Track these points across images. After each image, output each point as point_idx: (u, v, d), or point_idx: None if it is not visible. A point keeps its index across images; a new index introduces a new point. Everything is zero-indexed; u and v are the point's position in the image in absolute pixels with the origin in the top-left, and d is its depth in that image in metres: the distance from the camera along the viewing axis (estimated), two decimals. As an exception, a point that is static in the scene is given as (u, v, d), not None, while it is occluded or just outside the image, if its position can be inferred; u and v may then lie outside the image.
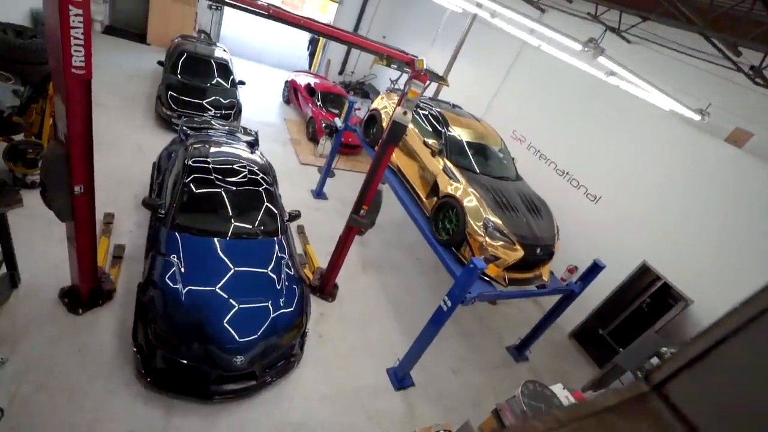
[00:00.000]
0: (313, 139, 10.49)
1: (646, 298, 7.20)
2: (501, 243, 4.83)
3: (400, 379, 5.15)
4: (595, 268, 5.40)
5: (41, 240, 4.87)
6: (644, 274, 6.76)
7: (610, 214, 7.21)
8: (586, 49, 4.61)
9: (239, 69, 11.19)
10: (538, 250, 5.13)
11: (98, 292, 4.47)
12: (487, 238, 4.81)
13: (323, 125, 9.48)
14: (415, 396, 5.12)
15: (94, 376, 3.88)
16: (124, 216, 5.77)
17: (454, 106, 7.37)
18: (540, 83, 8.96)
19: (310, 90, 11.38)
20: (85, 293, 4.32)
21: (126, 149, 7.18)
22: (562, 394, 2.96)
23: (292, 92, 12.14)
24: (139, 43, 11.65)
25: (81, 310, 4.33)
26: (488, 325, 6.94)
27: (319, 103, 10.98)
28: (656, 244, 6.52)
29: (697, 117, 5.67)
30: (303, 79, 11.88)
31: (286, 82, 12.51)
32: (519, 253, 4.88)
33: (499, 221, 4.92)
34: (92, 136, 3.39)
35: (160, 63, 9.13)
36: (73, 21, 2.74)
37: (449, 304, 4.39)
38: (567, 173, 7.99)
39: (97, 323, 4.32)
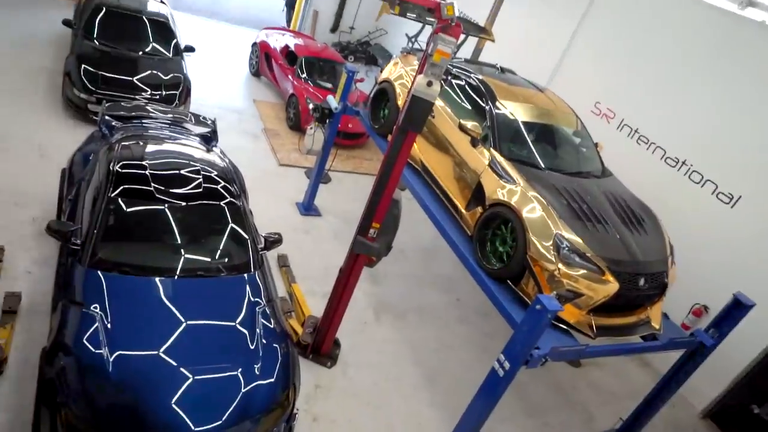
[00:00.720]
0: (297, 127, 10.68)
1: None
2: (582, 272, 4.76)
3: (438, 484, 5.08)
4: (737, 308, 5.22)
5: None
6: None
7: (754, 223, 7.05)
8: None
9: (186, 28, 11.46)
10: (642, 281, 5.05)
11: (-17, 363, 4.56)
12: (560, 265, 4.76)
13: (310, 107, 9.62)
14: None
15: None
16: (19, 250, 5.90)
17: (503, 70, 7.42)
18: (634, 31, 8.95)
19: (290, 55, 11.63)
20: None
21: (20, 152, 7.40)
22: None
23: (263, 59, 12.41)
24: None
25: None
26: (570, 398, 6.81)
27: (303, 75, 11.18)
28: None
29: None
30: (279, 41, 12.17)
31: (255, 45, 12.79)
32: (611, 285, 4.81)
33: (578, 239, 4.87)
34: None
35: (66, 23, 9.45)
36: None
37: (507, 366, 4.31)
38: (683, 163, 7.90)
39: (-21, 412, 4.40)
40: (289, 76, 11.27)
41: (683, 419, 7.14)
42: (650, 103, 8.53)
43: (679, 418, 7.09)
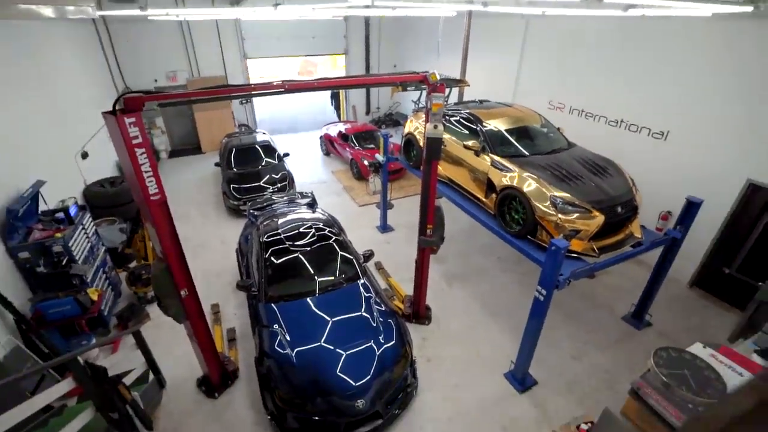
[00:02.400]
0: (361, 178, 10.78)
1: (770, 218, 6.15)
2: (576, 215, 4.49)
3: (521, 380, 4.85)
4: (691, 207, 4.80)
5: (169, 342, 5.43)
6: (756, 193, 5.83)
7: (684, 145, 6.44)
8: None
9: (281, 143, 11.96)
10: (619, 209, 4.69)
11: (225, 374, 4.84)
12: (560, 215, 4.51)
13: (367, 164, 9.71)
14: (543, 394, 4.79)
15: (244, 451, 4.14)
16: (226, 302, 6.26)
17: (481, 101, 7.20)
18: (561, 46, 8.50)
19: (343, 136, 11.85)
20: (216, 378, 4.70)
21: (212, 245, 7.87)
22: (704, 353, 2.55)
23: (328, 144, 12.70)
24: (197, 155, 13.03)
25: (217, 393, 4.72)
26: (594, 300, 6.37)
27: (355, 145, 11.34)
28: (756, 157, 5.65)
29: (749, 7, 4.93)
30: (334, 129, 12.45)
31: (321, 137, 13.12)
32: (599, 218, 4.50)
33: (566, 194, 4.60)
34: (181, 246, 3.79)
35: (217, 164, 10.11)
36: (140, 158, 3.16)
37: (544, 292, 4.12)
38: (621, 121, 7.34)
39: (232, 402, 4.66)
40: (347, 149, 11.42)
41: (677, 292, 6.51)
42: (586, 90, 8.00)
43: (674, 292, 6.47)
